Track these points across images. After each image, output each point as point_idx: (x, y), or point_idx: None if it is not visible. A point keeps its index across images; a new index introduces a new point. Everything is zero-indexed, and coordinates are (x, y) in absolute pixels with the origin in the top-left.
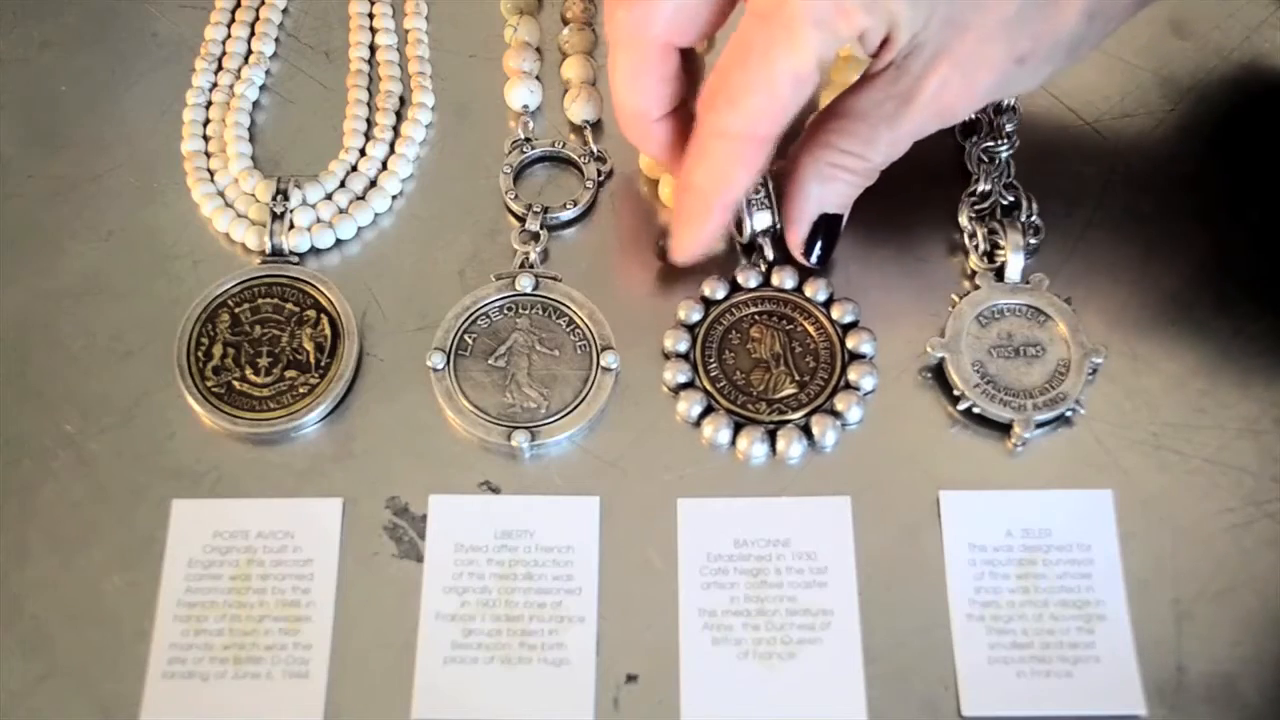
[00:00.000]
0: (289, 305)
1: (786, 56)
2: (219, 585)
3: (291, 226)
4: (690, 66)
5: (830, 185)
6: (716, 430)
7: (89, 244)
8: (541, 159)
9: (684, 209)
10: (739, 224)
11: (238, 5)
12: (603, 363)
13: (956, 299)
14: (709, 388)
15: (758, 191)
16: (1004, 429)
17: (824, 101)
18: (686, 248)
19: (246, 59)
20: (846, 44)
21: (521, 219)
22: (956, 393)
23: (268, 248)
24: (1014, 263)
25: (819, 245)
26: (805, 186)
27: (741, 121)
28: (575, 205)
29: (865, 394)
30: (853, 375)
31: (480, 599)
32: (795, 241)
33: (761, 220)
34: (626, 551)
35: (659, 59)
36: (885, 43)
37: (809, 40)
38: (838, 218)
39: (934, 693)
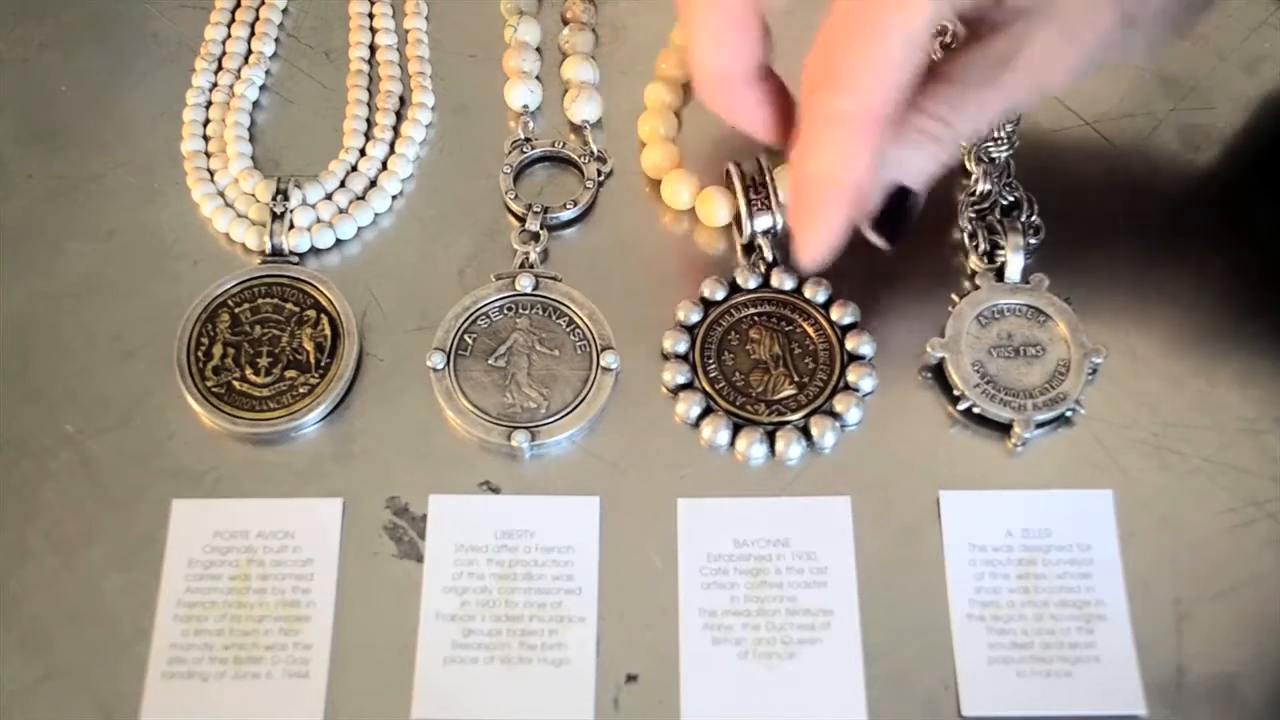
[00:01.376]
0: (289, 305)
1: (900, 24)
2: (219, 585)
3: (291, 226)
4: (766, 31)
5: (910, 152)
6: (715, 431)
7: (89, 244)
8: (541, 159)
9: (804, 205)
10: (892, 225)
11: (238, 5)
12: (602, 363)
13: (956, 299)
14: (708, 389)
15: (759, 191)
16: (1004, 429)
17: None
18: (813, 246)
19: (246, 59)
20: (960, 6)
21: (521, 219)
22: (956, 393)
23: (268, 248)
24: (1014, 263)
25: (890, 223)
26: (884, 149)
27: (855, 100)
28: (575, 205)
29: (864, 395)
30: (852, 376)
31: (480, 599)
32: (867, 214)
33: (762, 221)
34: (626, 551)
35: (746, 12)
36: (993, 3)
37: (922, 3)
38: (910, 196)
39: (934, 693)
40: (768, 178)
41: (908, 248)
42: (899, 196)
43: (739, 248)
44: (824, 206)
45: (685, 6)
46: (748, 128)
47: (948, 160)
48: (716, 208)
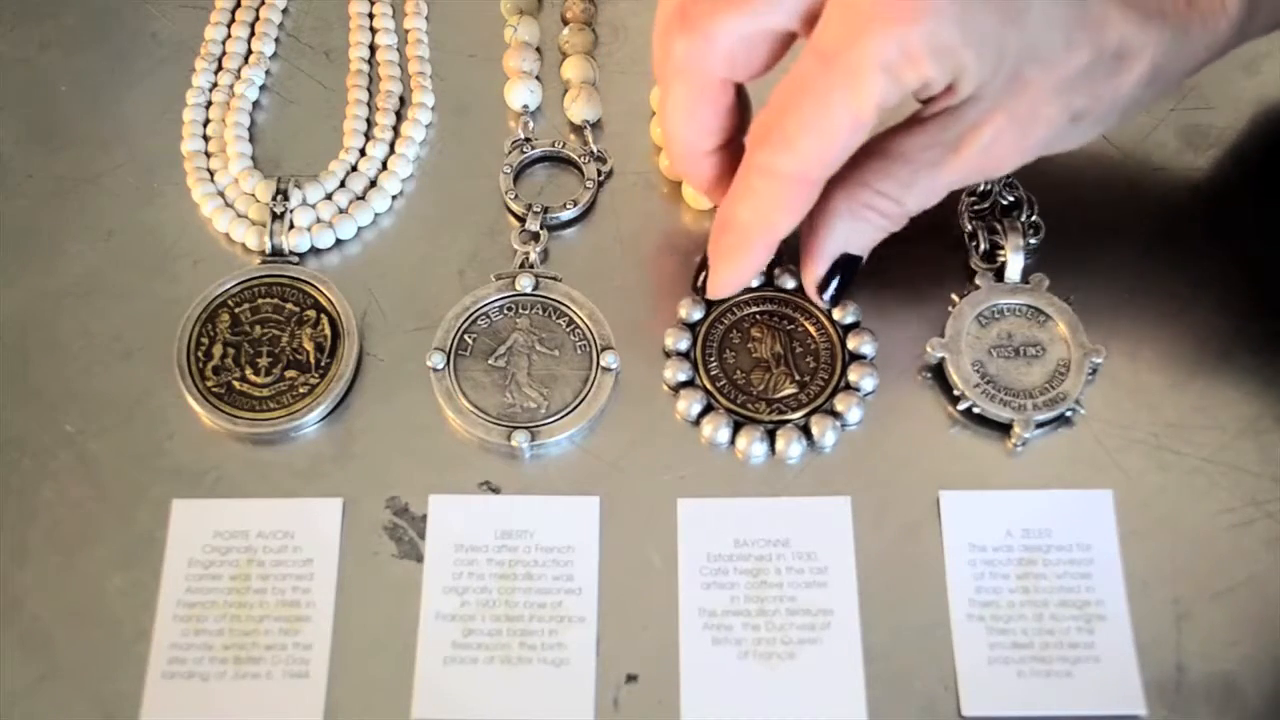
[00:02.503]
0: (289, 305)
1: (847, 101)
2: (219, 585)
3: (291, 226)
4: (741, 100)
5: (858, 225)
6: (716, 429)
7: (89, 244)
8: (541, 159)
9: (724, 246)
10: (837, 287)
11: (238, 5)
12: (603, 363)
13: (956, 299)
14: (709, 387)
15: None
16: (1004, 429)
17: None
18: (724, 284)
19: (246, 59)
20: (909, 92)
21: (521, 219)
22: (956, 393)
23: (268, 248)
24: (1014, 263)
25: (834, 285)
26: (833, 223)
27: (793, 162)
28: (575, 205)
29: (865, 395)
30: (853, 376)
31: (480, 599)
32: (812, 278)
33: None
34: (626, 551)
35: (716, 92)
36: (945, 91)
37: (873, 86)
38: (856, 260)
39: (934, 693)
40: None
41: (908, 248)
42: (845, 264)
43: None
44: (742, 250)
45: (659, 76)
46: (705, 192)
47: (895, 230)
48: None
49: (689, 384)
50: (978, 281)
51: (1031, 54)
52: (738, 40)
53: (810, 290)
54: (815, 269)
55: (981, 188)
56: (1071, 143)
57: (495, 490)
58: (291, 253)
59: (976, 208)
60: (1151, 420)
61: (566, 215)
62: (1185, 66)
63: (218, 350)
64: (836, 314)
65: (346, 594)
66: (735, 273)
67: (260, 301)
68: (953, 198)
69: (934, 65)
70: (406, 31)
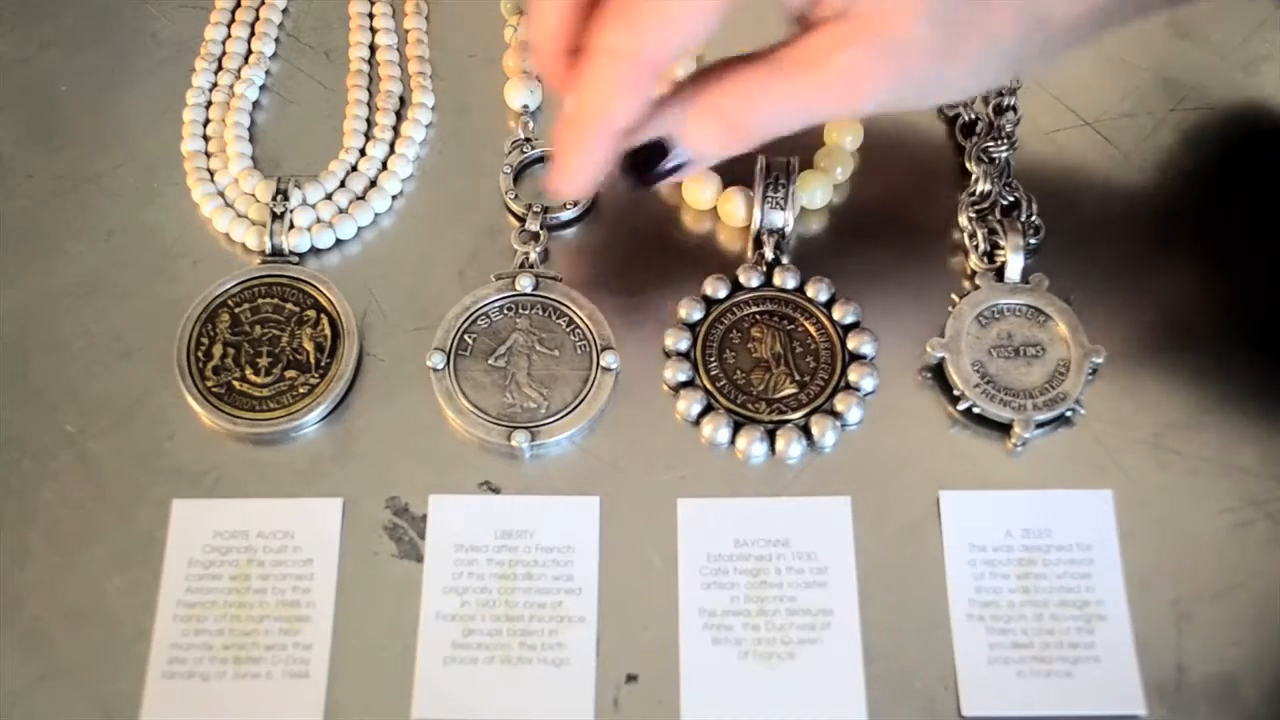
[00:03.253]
0: (289, 305)
1: None
2: (219, 585)
3: (291, 226)
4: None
5: (699, 125)
6: (716, 429)
7: (89, 244)
8: (541, 159)
9: (567, 135)
10: (635, 166)
11: (238, 5)
12: (603, 363)
13: (956, 299)
14: (709, 386)
15: (777, 190)
16: (1004, 429)
17: None
18: (566, 177)
19: (246, 59)
20: None
21: (521, 219)
22: (956, 393)
23: (268, 248)
24: (1014, 263)
25: (651, 169)
26: (675, 108)
27: (634, 41)
28: (575, 205)
29: (865, 395)
30: (853, 376)
31: (480, 599)
32: (627, 147)
33: (773, 220)
34: (626, 551)
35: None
36: (814, 4)
37: None
38: (668, 155)
39: (934, 693)
40: (791, 180)
41: (908, 248)
42: (659, 150)
43: (750, 239)
44: (582, 139)
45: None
46: (560, 90)
47: (735, 150)
48: (737, 207)
49: (689, 384)
50: (978, 281)
51: None
52: None
53: (619, 164)
54: (634, 140)
55: (981, 187)
56: (949, 90)
57: (495, 490)
58: (291, 253)
59: (977, 208)
60: (1151, 420)
61: (566, 215)
62: (1071, 14)
63: (218, 350)
64: (837, 314)
65: (346, 594)
66: (576, 164)
67: (260, 301)
68: (953, 198)
69: None
70: (406, 31)
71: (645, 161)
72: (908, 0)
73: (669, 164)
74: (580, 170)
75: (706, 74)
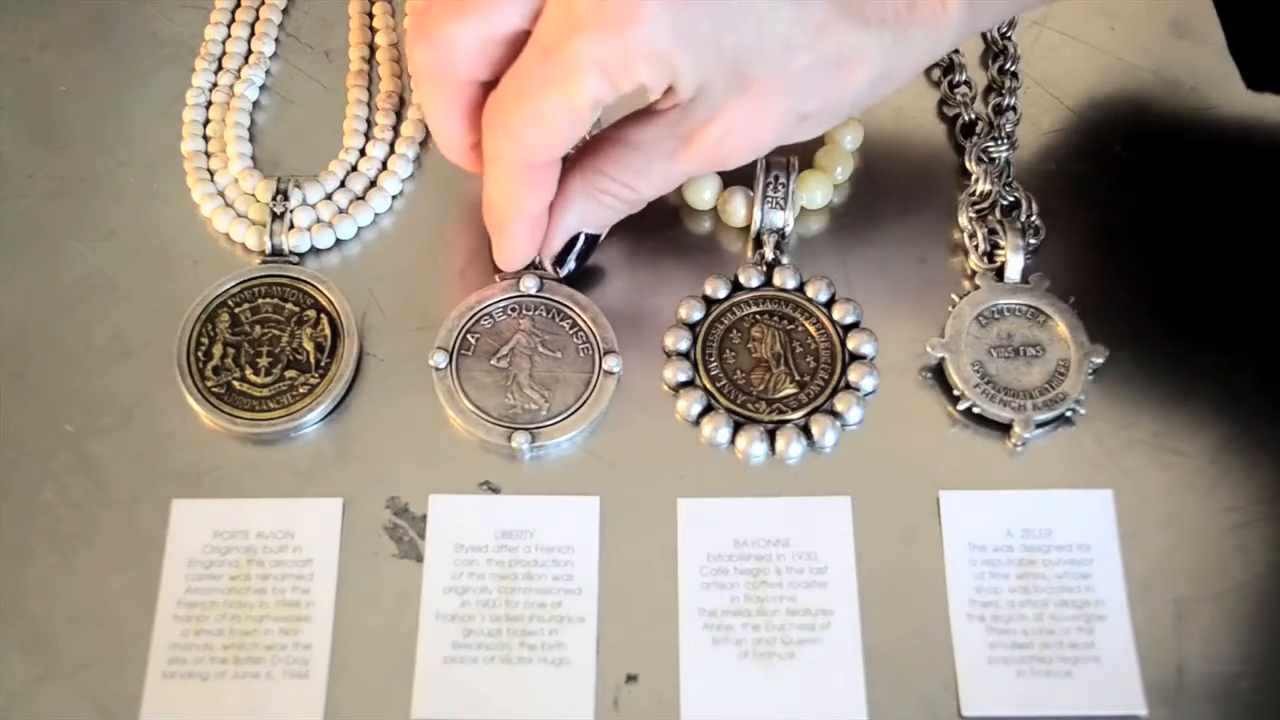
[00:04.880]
0: (289, 305)
1: (561, 97)
2: (219, 585)
3: (291, 226)
4: None
5: (594, 209)
6: (715, 429)
7: (89, 244)
8: None
9: (490, 224)
10: (557, 263)
11: (238, 5)
12: (605, 366)
13: (956, 299)
14: (709, 386)
15: (777, 190)
16: (1004, 429)
17: None
18: (503, 258)
19: (246, 59)
20: (626, 93)
21: None
22: (956, 393)
23: (268, 248)
24: (1014, 263)
25: (572, 259)
26: (569, 204)
27: (516, 150)
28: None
29: (865, 395)
30: (853, 376)
31: (480, 599)
32: (548, 252)
33: (773, 219)
34: (626, 551)
35: (465, 93)
36: (669, 90)
37: (585, 85)
38: (594, 236)
39: (934, 693)
40: (791, 180)
41: (908, 248)
42: (582, 240)
43: (750, 239)
44: (504, 228)
45: (414, 81)
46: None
47: (632, 212)
48: (737, 207)
49: (689, 384)
50: (978, 281)
51: (752, 56)
52: (473, 44)
53: (546, 262)
54: (550, 244)
55: (981, 187)
56: (802, 136)
57: (495, 490)
58: (291, 253)
59: (977, 208)
60: (1152, 420)
61: None
62: (910, 66)
63: (218, 350)
64: (837, 314)
65: (346, 594)
66: (509, 247)
67: (260, 301)
68: (953, 198)
69: (648, 70)
70: (406, 31)
71: (580, 254)
72: (765, 81)
73: (580, 248)
74: (514, 251)
75: (585, 156)
